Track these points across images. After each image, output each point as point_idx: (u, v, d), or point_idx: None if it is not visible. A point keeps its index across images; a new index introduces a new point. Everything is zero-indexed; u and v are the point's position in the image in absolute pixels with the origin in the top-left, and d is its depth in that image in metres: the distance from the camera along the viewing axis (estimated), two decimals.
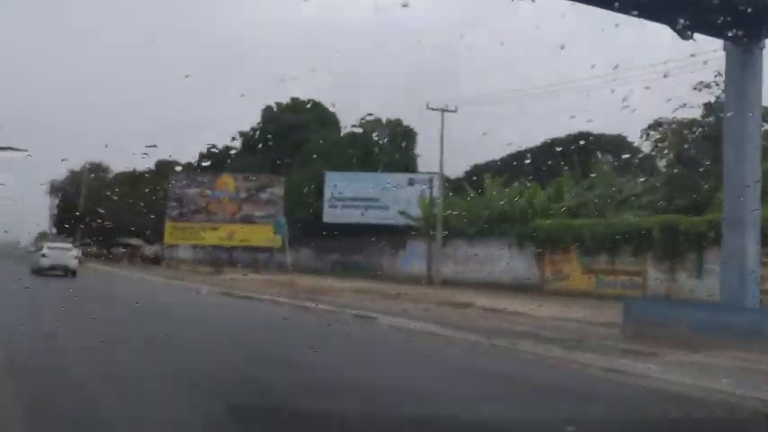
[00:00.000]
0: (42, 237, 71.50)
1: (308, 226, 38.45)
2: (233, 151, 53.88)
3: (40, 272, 25.73)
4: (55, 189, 68.55)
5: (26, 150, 21.06)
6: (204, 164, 53.46)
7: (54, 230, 71.65)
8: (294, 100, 51.45)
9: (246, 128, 52.59)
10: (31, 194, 57.27)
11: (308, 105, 51.68)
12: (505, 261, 29.07)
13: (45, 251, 27.88)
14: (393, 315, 14.56)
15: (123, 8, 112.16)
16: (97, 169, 71.82)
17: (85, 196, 56.31)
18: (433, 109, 31.39)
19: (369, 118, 46.02)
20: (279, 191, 39.63)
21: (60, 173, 65.87)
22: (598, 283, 25.65)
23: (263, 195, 39.45)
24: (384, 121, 47.49)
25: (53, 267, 26.13)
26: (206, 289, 23.06)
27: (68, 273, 26.48)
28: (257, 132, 51.55)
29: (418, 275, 32.97)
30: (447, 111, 31.42)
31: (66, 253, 28.16)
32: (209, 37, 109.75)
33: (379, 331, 12.88)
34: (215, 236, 39.25)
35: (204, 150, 54.57)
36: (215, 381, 6.91)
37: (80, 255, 46.64)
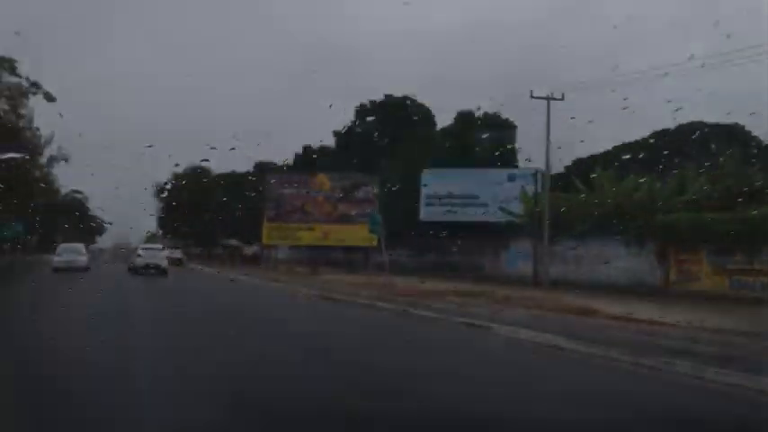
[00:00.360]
0: (151, 238, 74.59)
1: (403, 225, 37.07)
2: (327, 150, 53.61)
3: (135, 270, 27.91)
4: (160, 192, 71.16)
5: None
6: (300, 164, 53.51)
7: (160, 232, 74.47)
8: (388, 97, 50.27)
9: (340, 127, 52.11)
10: (142, 198, 59.67)
11: (403, 102, 50.44)
12: (622, 260, 26.45)
13: (139, 252, 29.89)
14: (508, 324, 12.70)
15: (219, 14, 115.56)
16: (199, 172, 73.99)
17: (187, 198, 57.61)
18: (538, 98, 29.06)
19: (466, 112, 44.24)
20: (374, 189, 38.39)
21: (165, 176, 68.11)
22: (731, 284, 22.66)
23: (359, 194, 38.37)
24: (481, 115, 45.48)
25: (146, 266, 28.06)
26: (303, 291, 22.00)
27: (159, 271, 28.25)
28: (351, 131, 50.80)
29: (523, 276, 30.78)
30: (553, 99, 29.00)
31: (157, 253, 30.00)
32: (303, 38, 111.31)
33: (496, 344, 11.06)
34: (311, 236, 38.55)
35: (300, 151, 54.55)
36: (339, 410, 5.49)
37: (183, 255, 47.64)
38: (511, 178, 38.10)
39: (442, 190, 39.63)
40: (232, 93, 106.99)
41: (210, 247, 55.05)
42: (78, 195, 72.92)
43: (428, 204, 39.70)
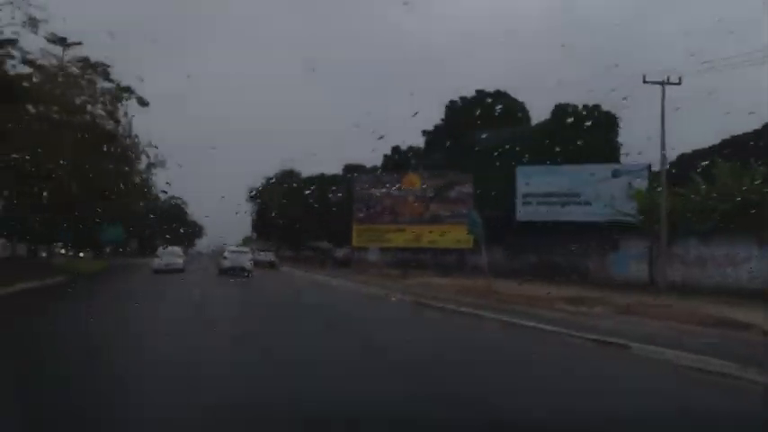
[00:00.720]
0: (247, 241, 75.60)
1: (499, 225, 34.68)
2: (416, 150, 51.92)
3: (224, 272, 29.00)
4: (253, 196, 71.96)
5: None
6: (389, 165, 52.15)
7: (255, 235, 75.30)
8: (479, 93, 47.90)
9: (430, 126, 50.23)
10: (239, 202, 60.43)
11: (495, 97, 47.94)
12: (755, 262, 23.06)
13: (226, 254, 30.94)
14: (647, 341, 10.32)
15: (304, 18, 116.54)
16: (289, 175, 74.28)
17: (279, 201, 57.58)
18: (652, 82, 25.99)
19: (563, 105, 41.33)
20: (468, 188, 36.15)
21: (258, 180, 68.80)
22: None
23: (452, 193, 36.26)
24: (580, 107, 42.38)
25: (232, 268, 29.05)
26: (396, 296, 20.20)
27: (245, 272, 29.25)
28: (441, 130, 48.78)
29: (636, 279, 27.73)
30: (668, 84, 25.86)
31: (242, 256, 31.00)
32: (390, 39, 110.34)
33: (646, 371, 8.70)
34: (401, 237, 36.79)
35: (389, 152, 53.15)
36: None
37: (275, 258, 47.17)
38: (615, 174, 34.95)
39: (540, 188, 36.99)
40: (321, 96, 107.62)
41: (301, 250, 54.52)
42: (177, 201, 74.96)
43: (525, 203, 37.13)
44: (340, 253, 50.68)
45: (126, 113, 44.67)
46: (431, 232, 34.95)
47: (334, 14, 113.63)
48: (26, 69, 28.60)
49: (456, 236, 34.01)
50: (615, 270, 29.64)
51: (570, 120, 40.33)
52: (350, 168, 56.04)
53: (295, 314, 13.86)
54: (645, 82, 26.20)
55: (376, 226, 37.35)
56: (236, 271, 28.84)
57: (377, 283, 27.22)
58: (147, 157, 52.59)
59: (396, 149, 54.30)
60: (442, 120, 48.17)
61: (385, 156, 54.87)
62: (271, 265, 44.76)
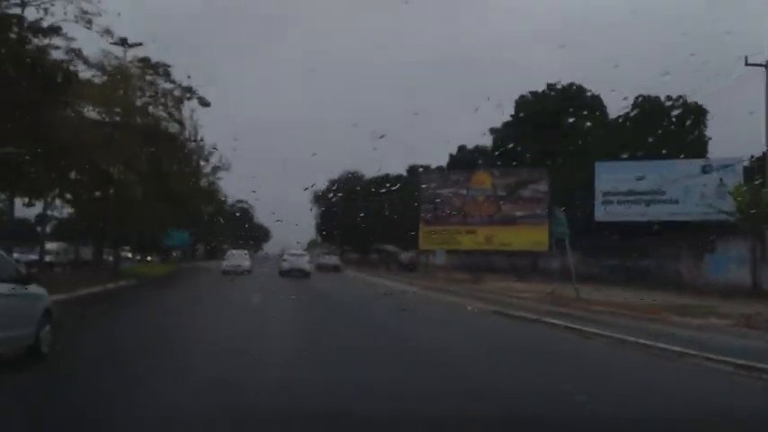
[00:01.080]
0: (312, 245, 74.77)
1: (576, 226, 32.05)
2: (483, 150, 49.56)
3: (284, 273, 30.32)
4: (318, 199, 71.02)
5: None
6: (455, 166, 50.04)
7: (320, 238, 74.33)
8: (551, 86, 45.14)
9: (498, 124, 47.77)
10: (304, 205, 59.63)
11: (569, 90, 45.06)
12: None
13: (285, 257, 32.30)
14: None
15: (363, 20, 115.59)
16: (353, 178, 72.94)
17: (342, 204, 56.27)
18: (755, 64, 23.00)
19: (645, 97, 38.16)
20: (543, 186, 33.58)
21: (322, 182, 67.84)
22: None
23: (525, 192, 33.80)
24: (662, 98, 39.11)
25: (291, 270, 30.30)
26: (473, 305, 18.13)
27: (303, 274, 30.34)
28: (511, 126, 46.24)
29: (736, 284, 24.61)
30: None
31: (300, 259, 32.02)
32: (447, 41, 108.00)
33: None
34: (472, 240, 34.56)
35: (454, 152, 50.98)
36: None
37: (339, 261, 45.78)
38: (706, 170, 31.75)
39: (621, 185, 33.97)
40: (382, 97, 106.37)
41: (366, 253, 52.95)
42: (244, 205, 74.90)
43: (605, 202, 34.21)
44: (405, 256, 48.82)
45: (191, 116, 44.35)
46: (503, 234, 32.56)
47: (386, 13, 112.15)
48: (87, 71, 28.11)
49: (530, 237, 31.59)
50: (712, 274, 26.58)
51: (653, 112, 37.18)
52: (414, 170, 54.15)
53: (370, 339, 11.60)
54: (747, 64, 23.28)
55: (444, 227, 35.22)
56: (294, 272, 30.08)
57: (449, 290, 25.19)
58: (205, 159, 52.52)
59: (462, 149, 52.03)
60: (512, 116, 45.67)
61: (450, 156, 52.74)
62: (335, 268, 43.36)
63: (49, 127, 19.23)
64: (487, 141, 49.62)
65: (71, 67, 20.57)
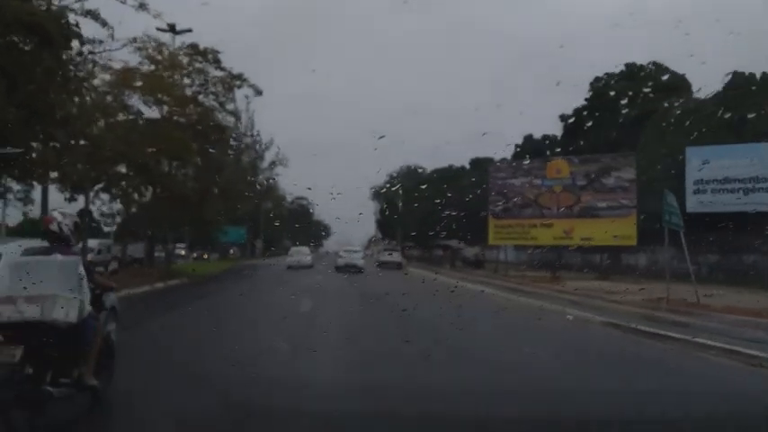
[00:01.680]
0: (373, 241, 72.12)
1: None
2: (552, 139, 45.56)
3: (340, 269, 31.33)
4: (377, 194, 68.25)
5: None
6: (522, 157, 46.38)
7: (380, 235, 71.61)
8: (629, 66, 40.75)
9: (569, 110, 43.66)
10: (363, 201, 57.15)
11: (649, 70, 40.60)
12: None
13: (341, 254, 33.92)
14: None
15: (427, 15, 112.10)
16: (413, 172, 69.79)
17: (403, 199, 53.33)
18: None
19: (739, 74, 33.57)
20: (629, 173, 29.44)
21: (381, 178, 65.31)
22: None
23: (609, 181, 29.74)
24: (758, 76, 34.47)
25: (346, 266, 31.48)
26: (571, 312, 14.65)
27: (357, 270, 31.37)
28: (584, 112, 42.06)
29: None
30: None
31: (354, 255, 33.78)
32: (510, 32, 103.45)
33: None
34: (548, 234, 30.72)
35: (519, 142, 47.28)
36: None
37: (402, 258, 42.71)
38: None
39: (716, 172, 29.48)
40: (442, 92, 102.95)
41: (430, 249, 49.56)
42: (303, 202, 72.89)
43: (697, 191, 29.80)
44: (470, 252, 45.25)
45: (247, 108, 42.18)
46: (584, 227, 28.63)
47: (450, 12, 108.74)
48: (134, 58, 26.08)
49: (615, 231, 27.56)
50: None
51: (749, 91, 32.46)
52: (478, 163, 50.50)
53: (449, 370, 8.45)
54: None
55: (517, 221, 31.48)
56: (348, 267, 31.26)
57: (529, 291, 21.74)
58: (258, 153, 50.29)
59: (528, 138, 48.04)
60: (587, 100, 41.49)
61: (516, 147, 49.04)
62: (398, 266, 40.36)
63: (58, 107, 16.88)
64: (556, 130, 45.81)
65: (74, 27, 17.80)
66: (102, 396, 5.40)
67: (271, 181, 52.23)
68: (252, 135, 48.72)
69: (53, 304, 4.77)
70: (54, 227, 5.44)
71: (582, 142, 38.04)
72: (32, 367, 4.77)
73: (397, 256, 41.74)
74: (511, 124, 76.35)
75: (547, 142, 46.00)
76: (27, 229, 27.63)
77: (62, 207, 16.05)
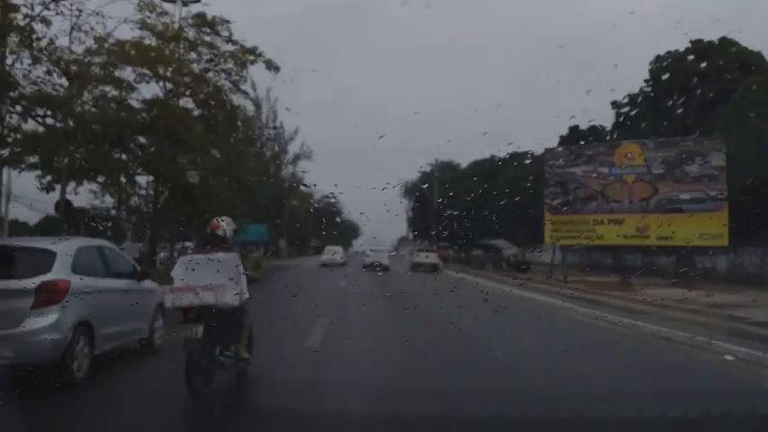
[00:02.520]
0: (403, 241, 67.28)
1: (749, 213, 22.65)
2: (599, 130, 40.05)
3: (366, 267, 31.66)
4: (409, 191, 63.40)
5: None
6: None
7: (411, 234, 66.73)
8: (696, 43, 35.12)
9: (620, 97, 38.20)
10: (392, 200, 52.39)
11: (716, 48, 34.93)
12: None
13: (367, 253, 34.51)
14: None
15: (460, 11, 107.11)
16: (447, 165, 64.71)
17: (438, 195, 48.38)
18: None
19: None
20: (716, 159, 24.01)
21: (412, 174, 60.78)
22: None
23: (691, 168, 24.34)
24: None
25: (372, 264, 31.41)
26: (708, 344, 9.55)
27: (383, 267, 31.03)
28: (640, 97, 36.63)
29: None
30: None
31: (380, 254, 33.98)
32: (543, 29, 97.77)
33: None
34: (618, 232, 25.45)
35: (565, 132, 41.79)
36: None
37: (438, 259, 37.76)
38: None
39: None
40: (476, 86, 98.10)
41: (467, 250, 44.27)
42: (332, 200, 68.45)
43: None
44: (509, 252, 39.87)
45: (268, 96, 37.67)
46: (663, 224, 23.21)
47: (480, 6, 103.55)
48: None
49: (702, 228, 22.31)
50: None
51: None
52: (516, 156, 45.22)
53: None
54: None
55: (580, 216, 26.17)
56: (375, 266, 30.88)
57: (604, 302, 16.91)
58: (281, 145, 45.69)
59: (573, 130, 42.61)
60: (647, 81, 35.98)
61: (561, 138, 43.77)
62: (434, 268, 35.52)
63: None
64: (603, 121, 40.41)
65: None
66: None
67: (300, 175, 47.92)
68: (275, 127, 44.24)
69: (224, 292, 5.96)
70: (220, 231, 6.51)
71: (638, 130, 32.68)
72: (208, 342, 5.96)
73: (433, 257, 36.89)
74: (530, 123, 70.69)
75: (592, 134, 40.52)
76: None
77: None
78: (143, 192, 24.32)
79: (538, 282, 26.44)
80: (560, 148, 28.82)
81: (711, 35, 34.55)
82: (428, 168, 62.41)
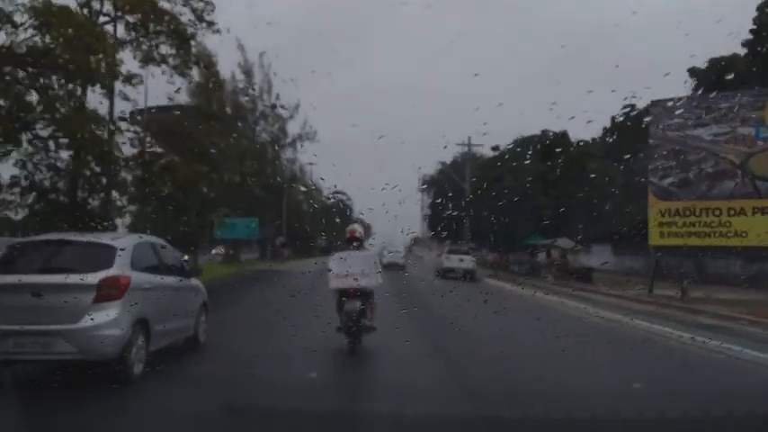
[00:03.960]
0: (418, 241, 58.44)
1: None
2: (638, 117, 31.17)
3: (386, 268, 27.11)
4: (428, 185, 54.61)
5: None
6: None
7: (428, 233, 58.08)
8: None
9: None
10: (406, 197, 44.21)
11: None
12: None
13: (384, 253, 30.58)
14: None
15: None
16: (470, 157, 55.77)
17: (461, 188, 39.58)
18: None
19: None
20: None
21: (431, 167, 52.44)
22: None
23: None
24: None
25: (389, 265, 25.91)
26: None
27: (399, 267, 28.60)
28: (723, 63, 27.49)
29: None
30: None
31: (396, 255, 31.64)
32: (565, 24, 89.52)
33: None
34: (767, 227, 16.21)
35: (608, 124, 33.94)
36: None
37: (474, 265, 28.80)
38: None
39: None
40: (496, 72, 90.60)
41: (511, 252, 34.84)
42: (341, 197, 59.61)
43: None
44: (555, 253, 30.56)
45: (261, 61, 29.60)
46: None
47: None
48: None
49: None
50: None
51: None
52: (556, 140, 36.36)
53: None
54: None
55: (708, 203, 16.83)
56: (391, 266, 26.27)
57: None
58: (282, 128, 37.18)
59: (617, 120, 34.16)
60: (752, 30, 26.75)
61: (605, 129, 35.94)
62: (469, 275, 26.66)
63: None
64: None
65: None
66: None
67: (304, 164, 39.45)
68: (273, 105, 35.49)
69: (374, 277, 8.40)
70: (358, 234, 8.84)
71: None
72: (361, 313, 8.25)
73: (468, 261, 27.88)
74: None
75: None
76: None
77: None
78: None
79: (631, 299, 17.40)
80: (675, 100, 18.81)
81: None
82: (448, 160, 53.64)
